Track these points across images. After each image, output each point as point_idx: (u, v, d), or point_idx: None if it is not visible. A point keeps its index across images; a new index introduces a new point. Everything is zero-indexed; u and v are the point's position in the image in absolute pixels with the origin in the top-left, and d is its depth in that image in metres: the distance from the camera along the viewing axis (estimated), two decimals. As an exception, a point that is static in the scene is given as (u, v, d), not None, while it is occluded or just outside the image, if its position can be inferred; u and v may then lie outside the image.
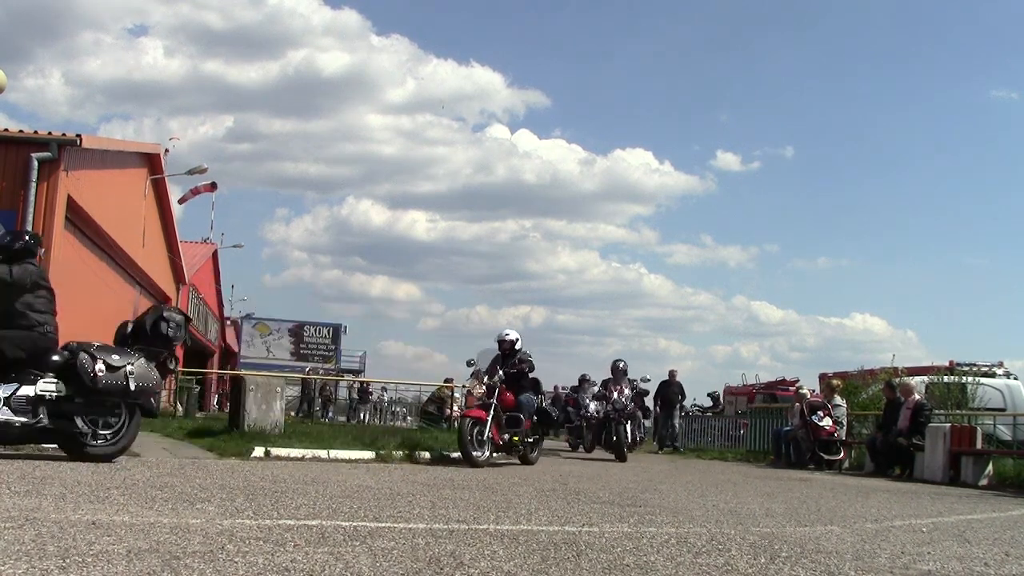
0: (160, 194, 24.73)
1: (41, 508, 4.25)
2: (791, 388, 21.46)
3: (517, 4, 79.51)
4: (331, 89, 70.26)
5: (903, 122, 72.46)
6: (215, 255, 40.76)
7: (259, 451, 9.28)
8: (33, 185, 14.63)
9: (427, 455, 10.49)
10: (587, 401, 15.67)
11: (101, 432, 7.06)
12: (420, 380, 32.35)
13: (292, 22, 66.73)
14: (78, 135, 15.21)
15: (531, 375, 11.15)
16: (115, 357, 7.05)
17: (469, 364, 11.16)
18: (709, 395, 20.24)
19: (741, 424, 20.46)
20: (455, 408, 21.40)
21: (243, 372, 26.69)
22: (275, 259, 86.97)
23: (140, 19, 79.44)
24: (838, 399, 15.39)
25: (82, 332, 19.28)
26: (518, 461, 10.72)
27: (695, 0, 77.58)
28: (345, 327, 50.31)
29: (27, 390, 6.70)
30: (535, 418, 10.90)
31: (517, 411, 10.55)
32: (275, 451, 9.42)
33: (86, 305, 18.50)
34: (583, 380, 17.37)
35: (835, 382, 17.20)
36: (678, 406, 19.27)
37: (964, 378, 17.48)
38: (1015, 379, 18.61)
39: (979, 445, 12.07)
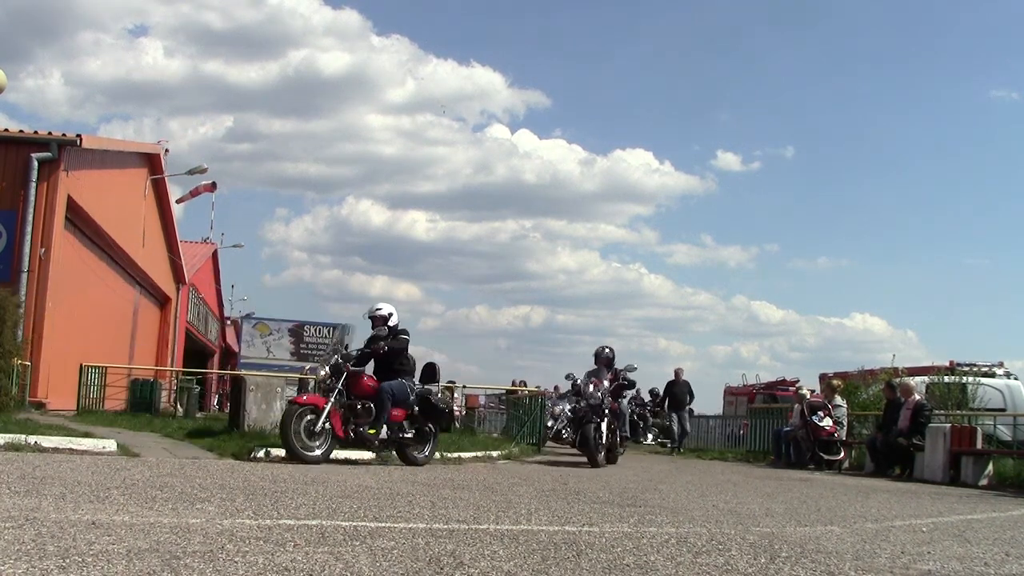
0: (160, 194, 24.75)
1: (41, 508, 4.25)
2: (791, 388, 21.44)
3: (517, 4, 79.55)
4: (331, 89, 70.29)
5: (903, 122, 72.52)
6: (215, 255, 40.80)
7: (259, 451, 9.27)
8: (33, 185, 14.64)
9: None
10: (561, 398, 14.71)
11: None
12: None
13: (292, 22, 66.73)
14: (78, 135, 15.23)
15: (422, 361, 9.93)
16: None
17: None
18: (651, 392, 19.75)
19: (742, 424, 20.44)
20: (454, 409, 21.38)
21: (243, 372, 26.68)
22: (275, 259, 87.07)
23: (140, 19, 79.51)
24: (838, 399, 15.39)
25: (82, 331, 19.38)
26: (400, 462, 9.43)
27: (695, 0, 77.64)
28: (349, 328, 50.26)
29: None
30: (415, 409, 9.40)
31: (377, 398, 9.09)
32: (275, 451, 9.41)
33: (86, 305, 18.52)
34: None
35: (835, 382, 17.18)
36: (687, 407, 18.99)
37: (964, 378, 17.46)
38: (1015, 379, 18.60)
39: (979, 445, 12.06)
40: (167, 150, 24.44)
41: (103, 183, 18.25)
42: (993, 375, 18.37)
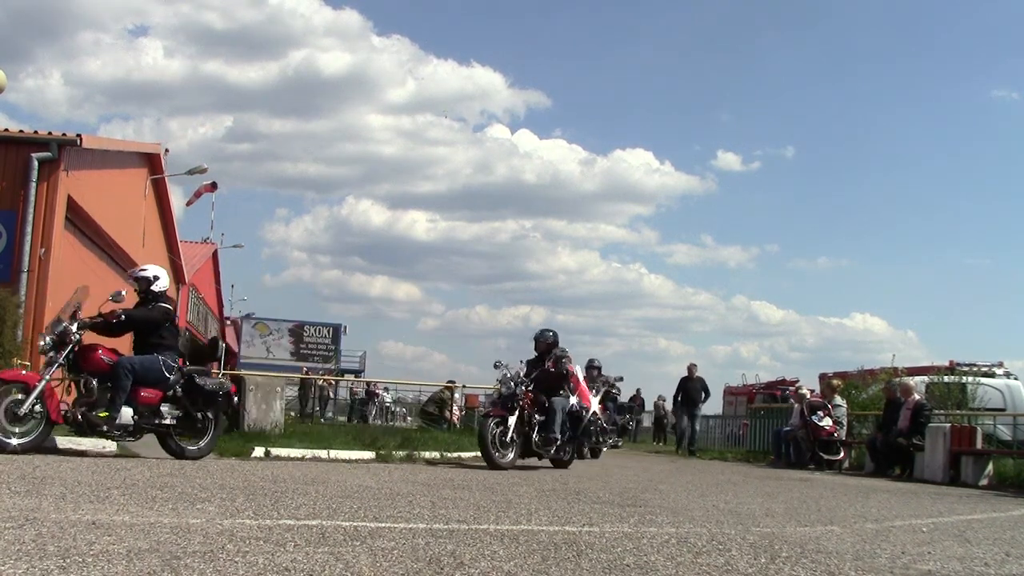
0: (160, 194, 24.73)
1: (41, 508, 4.25)
2: (791, 388, 21.44)
3: (517, 4, 79.57)
4: (331, 89, 70.31)
5: (903, 122, 72.54)
6: (215, 255, 40.79)
7: (259, 451, 9.29)
8: (33, 185, 14.63)
9: (427, 455, 10.49)
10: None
11: None
12: (420, 380, 32.35)
13: (293, 22, 66.76)
14: (78, 135, 15.21)
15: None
16: None
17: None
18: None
19: (742, 425, 20.43)
20: (455, 410, 21.36)
21: (243, 372, 26.65)
22: (275, 259, 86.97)
23: (140, 19, 79.51)
24: (838, 399, 15.39)
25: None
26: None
27: (695, 0, 77.63)
28: (345, 327, 50.33)
29: None
30: (176, 391, 8.40)
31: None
32: (275, 451, 9.42)
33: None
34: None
35: (835, 382, 17.18)
36: (700, 405, 18.03)
37: (964, 378, 17.47)
38: (1015, 379, 18.60)
39: (979, 445, 12.06)
40: (167, 150, 24.46)
41: (103, 183, 18.24)
42: (993, 375, 18.36)
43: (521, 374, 10.02)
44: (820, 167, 75.70)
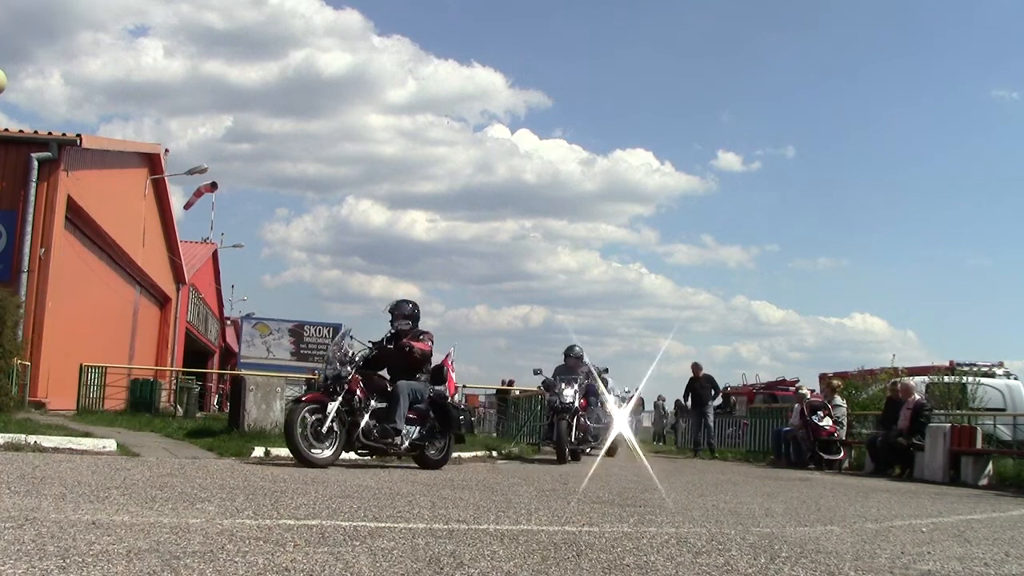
0: (160, 194, 24.75)
1: (41, 508, 4.25)
2: (791, 388, 21.44)
3: (517, 4, 79.55)
4: (332, 89, 70.31)
5: (903, 122, 72.51)
6: (215, 255, 40.79)
7: (259, 451, 9.28)
8: (33, 185, 14.64)
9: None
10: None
11: None
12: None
13: (293, 22, 66.76)
14: (78, 135, 15.23)
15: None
16: None
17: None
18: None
19: (742, 424, 20.43)
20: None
21: (243, 372, 26.66)
22: (275, 259, 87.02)
23: (140, 20, 79.49)
24: (838, 399, 15.39)
25: (82, 332, 19.36)
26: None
27: (695, 0, 77.62)
28: (349, 330, 50.31)
29: None
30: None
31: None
32: (275, 451, 9.41)
33: (86, 305, 18.51)
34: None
35: (835, 382, 17.20)
36: (710, 403, 17.45)
37: (964, 378, 17.48)
38: (1015, 379, 18.61)
39: (979, 445, 12.07)
40: (167, 150, 24.47)
41: (103, 183, 18.24)
42: (993, 375, 18.38)
43: (355, 354, 8.80)
44: (820, 167, 75.77)
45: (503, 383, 22.88)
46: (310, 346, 48.93)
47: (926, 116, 72.44)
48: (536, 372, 12.98)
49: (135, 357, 23.74)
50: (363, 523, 4.47)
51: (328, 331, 49.84)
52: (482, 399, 27.96)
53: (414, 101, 72.37)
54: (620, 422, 13.99)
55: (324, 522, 4.41)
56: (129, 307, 23.80)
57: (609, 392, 14.29)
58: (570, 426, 10.99)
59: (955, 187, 71.78)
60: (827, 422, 14.31)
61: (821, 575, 3.75)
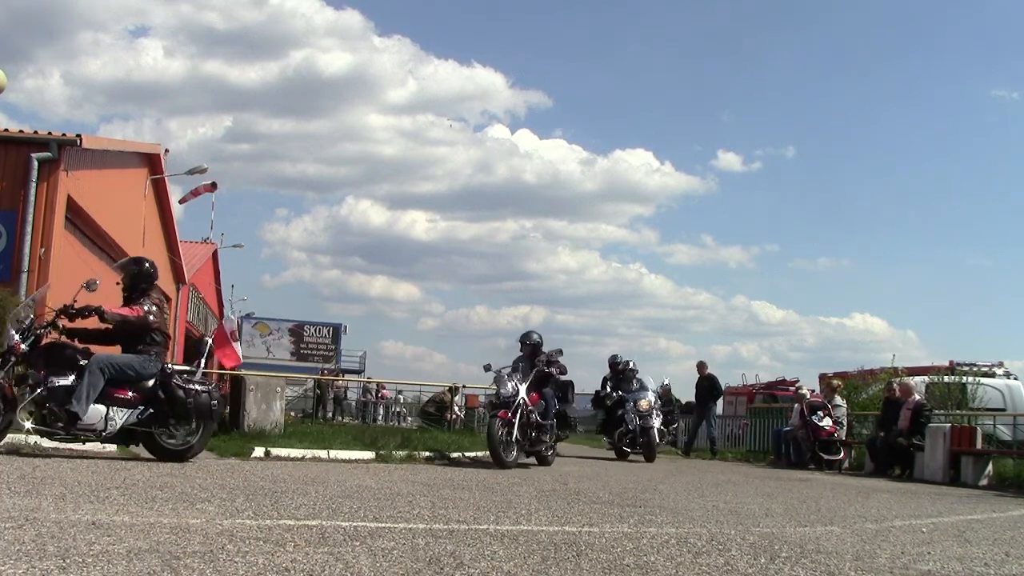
0: (160, 194, 24.73)
1: (41, 508, 4.25)
2: (791, 388, 21.44)
3: (518, 4, 79.57)
4: (332, 89, 70.29)
5: (903, 122, 72.49)
6: (215, 255, 40.74)
7: (259, 451, 9.29)
8: (33, 185, 14.62)
9: (427, 455, 10.48)
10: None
11: None
12: (420, 380, 32.39)
13: (294, 22, 66.77)
14: (78, 135, 15.21)
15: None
16: None
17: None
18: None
19: (742, 424, 20.42)
20: (455, 410, 21.36)
21: (243, 372, 26.66)
22: (275, 259, 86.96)
23: (140, 20, 79.49)
24: (838, 399, 15.39)
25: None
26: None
27: (695, 0, 77.62)
28: (345, 327, 50.37)
29: None
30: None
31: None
32: (275, 451, 9.43)
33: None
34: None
35: (835, 382, 17.18)
36: (710, 404, 17.39)
37: (964, 378, 17.47)
38: (1015, 379, 18.60)
39: (979, 445, 12.06)
40: (167, 150, 24.47)
41: (103, 183, 18.23)
42: (993, 375, 18.37)
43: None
44: (820, 167, 75.73)
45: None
46: (310, 346, 48.97)
47: (926, 116, 72.52)
48: (487, 368, 10.89)
49: (135, 357, 23.69)
50: (363, 523, 4.47)
51: (328, 331, 49.89)
52: (482, 399, 27.96)
53: (414, 101, 72.43)
54: (652, 420, 13.60)
55: (324, 522, 4.41)
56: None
57: (639, 386, 13.99)
58: (509, 423, 9.77)
59: (955, 187, 71.82)
60: (827, 422, 14.30)
61: (821, 575, 3.76)
